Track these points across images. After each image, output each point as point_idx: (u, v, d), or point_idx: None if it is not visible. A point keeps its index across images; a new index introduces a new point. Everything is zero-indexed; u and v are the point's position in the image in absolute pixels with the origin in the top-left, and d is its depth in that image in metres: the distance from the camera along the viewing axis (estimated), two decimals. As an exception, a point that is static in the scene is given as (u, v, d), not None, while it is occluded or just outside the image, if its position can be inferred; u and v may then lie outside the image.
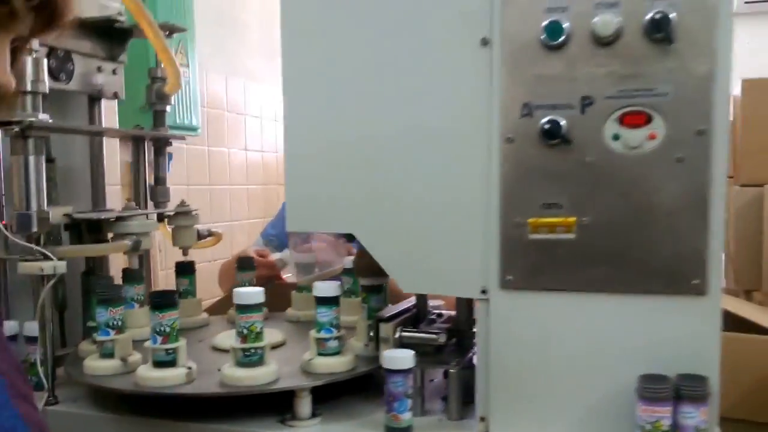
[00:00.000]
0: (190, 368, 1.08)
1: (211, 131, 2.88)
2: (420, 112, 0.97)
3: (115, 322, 1.15)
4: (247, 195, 3.16)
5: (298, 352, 1.17)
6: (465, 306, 1.17)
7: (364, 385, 1.13)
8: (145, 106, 1.49)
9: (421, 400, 1.06)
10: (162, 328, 1.06)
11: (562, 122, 0.90)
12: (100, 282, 1.24)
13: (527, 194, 0.94)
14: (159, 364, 1.07)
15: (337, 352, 1.10)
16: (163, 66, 1.42)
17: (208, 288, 2.04)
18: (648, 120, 0.89)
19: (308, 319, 1.33)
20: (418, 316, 1.21)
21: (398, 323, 1.11)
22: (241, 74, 3.10)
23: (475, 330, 1.03)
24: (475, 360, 1.02)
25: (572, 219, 0.92)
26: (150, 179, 1.52)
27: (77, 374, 1.14)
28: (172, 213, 1.46)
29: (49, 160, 1.22)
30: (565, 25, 0.90)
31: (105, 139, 1.46)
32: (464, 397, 1.04)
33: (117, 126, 1.90)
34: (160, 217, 1.47)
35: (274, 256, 1.79)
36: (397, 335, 1.09)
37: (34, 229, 1.12)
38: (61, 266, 1.11)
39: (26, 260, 1.11)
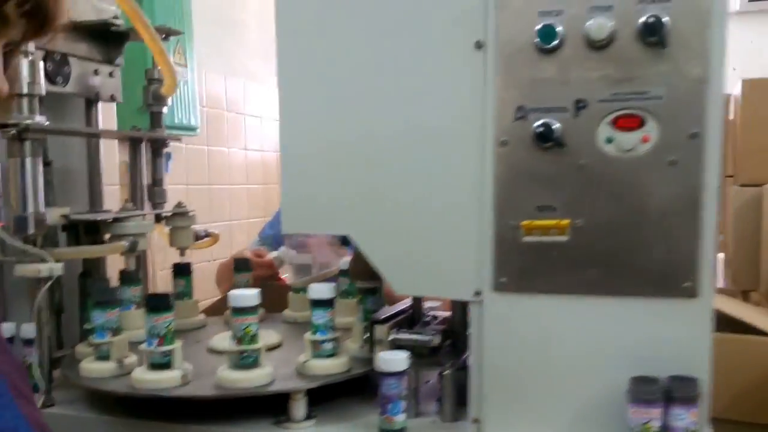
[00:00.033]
0: (185, 370, 1.08)
1: (211, 131, 2.88)
2: (414, 115, 0.98)
3: (111, 325, 1.16)
4: (247, 194, 3.16)
5: (294, 353, 1.18)
6: (460, 308, 1.17)
7: (360, 387, 1.13)
8: (143, 107, 1.49)
9: (415, 402, 1.06)
10: (157, 331, 1.07)
11: (555, 125, 0.91)
12: (96, 285, 1.25)
13: (521, 197, 0.94)
14: (155, 366, 1.07)
15: (332, 354, 1.11)
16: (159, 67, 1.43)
17: (208, 288, 2.05)
18: (641, 123, 0.89)
19: (305, 320, 1.33)
20: (413, 317, 1.21)
21: (393, 325, 1.11)
22: (241, 74, 3.11)
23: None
24: (469, 362, 1.02)
25: (565, 222, 0.92)
26: (148, 180, 1.52)
27: (74, 376, 1.15)
28: (169, 214, 1.47)
29: (46, 164, 1.23)
30: (559, 28, 0.90)
31: (103, 140, 1.46)
32: (459, 398, 1.04)
33: (115, 127, 1.90)
34: (158, 218, 1.48)
35: (271, 255, 1.80)
36: (391, 337, 1.09)
37: (31, 231, 1.13)
38: (58, 268, 1.12)
39: (23, 262, 1.11)
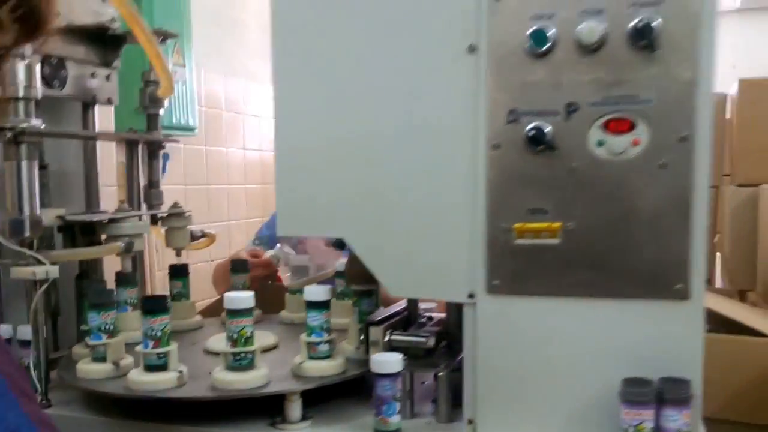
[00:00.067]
0: (181, 372, 1.09)
1: (209, 131, 2.89)
2: (407, 119, 0.98)
3: (107, 327, 1.16)
4: (245, 194, 3.17)
5: (290, 354, 1.18)
6: (455, 309, 1.17)
7: (355, 388, 1.14)
8: (139, 109, 1.50)
9: (410, 403, 1.07)
10: (153, 333, 1.07)
11: (547, 129, 0.91)
12: (92, 287, 1.26)
13: (513, 200, 0.94)
14: (150, 368, 1.08)
15: (327, 356, 1.11)
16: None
17: (206, 288, 2.05)
18: (632, 126, 0.90)
19: (302, 322, 1.33)
20: (408, 319, 1.22)
21: (388, 326, 1.12)
22: (240, 74, 3.11)
23: (464, 333, 1.03)
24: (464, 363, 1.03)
25: (557, 224, 0.93)
26: (144, 181, 1.53)
27: (70, 378, 1.15)
28: (165, 214, 1.47)
29: (42, 167, 1.23)
30: (550, 32, 0.90)
31: (100, 142, 1.47)
32: (454, 399, 1.05)
33: (113, 128, 1.91)
34: (154, 219, 1.48)
35: (268, 254, 1.80)
36: (386, 338, 1.10)
37: (27, 233, 1.13)
38: (54, 271, 1.12)
39: (19, 265, 1.12)
